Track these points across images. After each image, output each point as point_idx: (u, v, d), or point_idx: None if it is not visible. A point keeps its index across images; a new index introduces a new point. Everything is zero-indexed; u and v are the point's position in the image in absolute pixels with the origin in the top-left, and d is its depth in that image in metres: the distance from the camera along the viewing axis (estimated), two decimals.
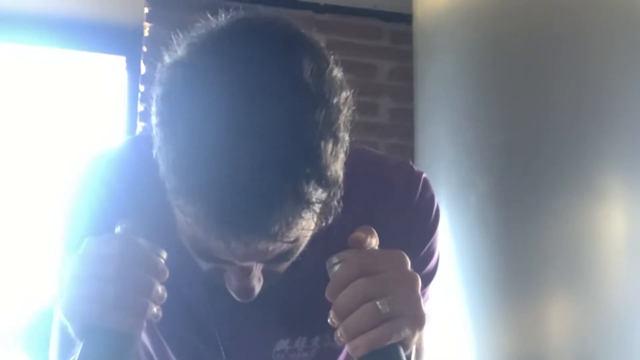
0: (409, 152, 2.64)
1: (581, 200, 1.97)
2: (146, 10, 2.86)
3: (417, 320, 0.74)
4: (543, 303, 1.97)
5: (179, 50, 0.72)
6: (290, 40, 0.72)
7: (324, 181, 0.69)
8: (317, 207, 0.70)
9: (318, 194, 0.69)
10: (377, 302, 0.72)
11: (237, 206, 0.67)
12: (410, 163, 0.98)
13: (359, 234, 0.76)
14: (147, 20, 2.85)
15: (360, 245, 0.76)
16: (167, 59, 0.72)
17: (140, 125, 2.79)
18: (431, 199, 0.96)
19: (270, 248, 0.72)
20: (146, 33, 2.83)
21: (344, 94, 0.72)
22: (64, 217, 0.94)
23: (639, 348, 1.90)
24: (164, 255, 0.76)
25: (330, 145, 0.69)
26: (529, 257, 1.99)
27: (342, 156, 0.71)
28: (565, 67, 2.07)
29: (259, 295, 0.91)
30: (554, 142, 2.02)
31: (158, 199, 0.78)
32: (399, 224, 0.92)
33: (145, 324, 0.74)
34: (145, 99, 2.79)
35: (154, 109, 0.71)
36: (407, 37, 2.80)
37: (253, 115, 0.67)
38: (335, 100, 0.70)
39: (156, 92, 0.71)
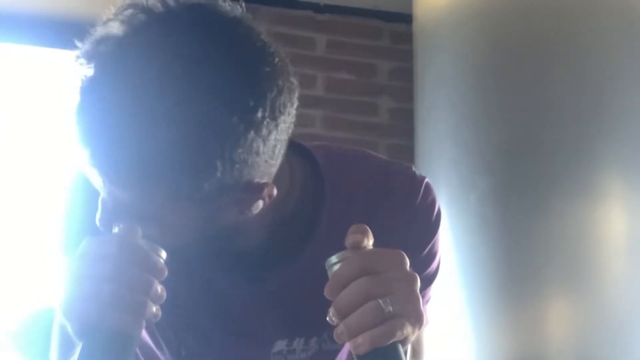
0: (409, 152, 2.64)
1: (581, 200, 1.97)
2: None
3: (417, 318, 0.74)
4: (543, 303, 1.97)
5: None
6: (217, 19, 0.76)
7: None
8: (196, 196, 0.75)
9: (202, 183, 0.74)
10: (380, 301, 0.72)
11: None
12: (413, 168, 0.99)
13: (356, 234, 0.76)
14: None
15: (358, 245, 0.76)
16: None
17: None
18: (432, 203, 0.97)
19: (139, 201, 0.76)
20: None
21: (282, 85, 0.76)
22: (63, 218, 0.94)
23: (639, 348, 1.90)
24: (163, 254, 0.76)
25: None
26: (529, 257, 1.99)
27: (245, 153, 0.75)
28: (565, 67, 2.07)
29: (258, 297, 0.92)
30: (554, 142, 2.02)
31: None
32: (399, 226, 0.93)
33: (144, 324, 0.74)
34: None
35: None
36: (407, 37, 2.79)
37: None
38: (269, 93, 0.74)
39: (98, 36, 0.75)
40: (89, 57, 0.74)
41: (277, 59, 0.77)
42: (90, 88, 0.73)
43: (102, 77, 0.73)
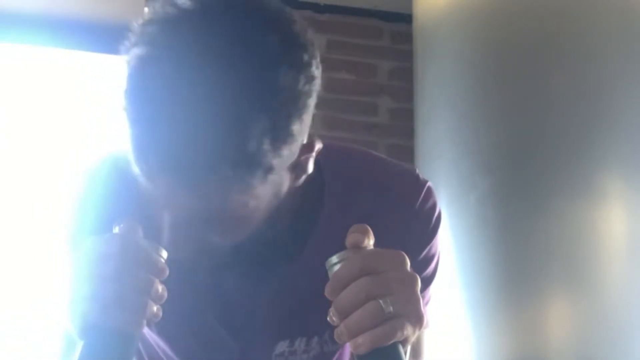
0: (409, 152, 2.64)
1: (581, 201, 1.97)
2: (146, 10, 2.85)
3: (417, 319, 0.74)
4: (543, 303, 1.97)
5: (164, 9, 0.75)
6: (259, 12, 0.74)
7: (276, 139, 0.71)
8: (257, 174, 0.72)
9: (262, 157, 0.71)
10: (380, 301, 0.72)
11: (171, 137, 0.69)
12: (417, 171, 0.99)
13: (357, 234, 0.76)
14: None
15: (359, 245, 0.76)
16: (147, 16, 0.75)
17: None
18: (433, 206, 0.97)
19: (202, 203, 0.73)
20: None
21: (309, 59, 0.75)
22: (68, 220, 0.95)
23: (639, 348, 1.90)
24: (164, 254, 0.76)
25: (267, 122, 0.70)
26: (529, 257, 1.99)
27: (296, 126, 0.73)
28: (565, 67, 2.07)
29: (259, 297, 0.92)
30: (554, 142, 2.02)
31: None
32: (398, 228, 0.93)
33: (145, 323, 0.74)
34: None
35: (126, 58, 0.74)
36: (407, 37, 2.80)
37: (210, 73, 0.69)
38: (299, 70, 0.73)
39: (135, 38, 0.75)
40: (136, 48, 0.73)
41: (295, 17, 0.78)
42: (150, 88, 0.70)
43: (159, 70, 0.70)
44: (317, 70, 0.76)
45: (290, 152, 0.75)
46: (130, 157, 0.73)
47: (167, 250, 0.77)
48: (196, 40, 0.70)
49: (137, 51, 0.72)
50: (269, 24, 0.73)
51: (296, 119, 0.73)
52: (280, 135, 0.72)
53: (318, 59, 0.77)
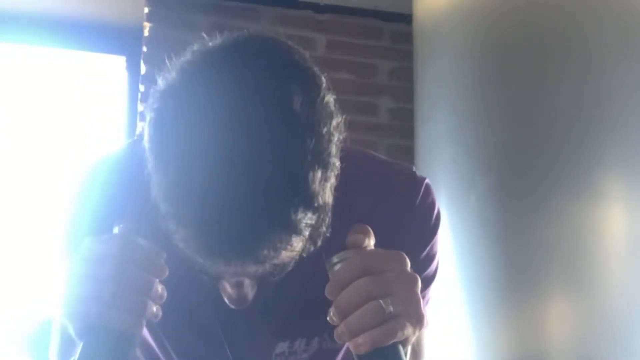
0: (409, 152, 2.64)
1: (581, 201, 1.97)
2: (146, 10, 2.86)
3: (418, 319, 0.74)
4: (543, 303, 1.97)
5: (171, 74, 0.72)
6: (282, 69, 0.72)
7: (312, 208, 0.70)
8: (305, 232, 0.71)
9: (307, 220, 0.70)
10: (381, 301, 0.72)
11: (224, 236, 0.67)
12: (414, 168, 0.99)
13: (357, 235, 0.77)
14: (147, 20, 2.85)
15: (359, 245, 0.76)
16: (160, 83, 0.72)
17: (140, 125, 2.79)
18: (432, 204, 0.96)
19: (260, 270, 0.72)
20: (146, 33, 2.84)
21: (334, 122, 0.74)
22: (66, 219, 0.94)
23: (639, 348, 1.90)
24: (164, 255, 0.76)
25: (319, 174, 0.70)
26: (529, 257, 1.99)
27: (332, 181, 0.73)
28: (565, 67, 2.07)
29: (258, 299, 0.92)
30: (554, 142, 2.02)
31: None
32: (398, 227, 0.92)
33: (144, 323, 0.74)
34: (145, 99, 2.79)
35: (145, 131, 0.72)
36: (407, 37, 2.80)
37: (241, 147, 0.67)
38: (325, 130, 0.71)
39: (148, 115, 0.72)
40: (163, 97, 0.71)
41: (302, 52, 0.79)
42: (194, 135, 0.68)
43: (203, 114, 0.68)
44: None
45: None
46: (193, 251, 0.71)
47: (234, 306, 0.79)
48: (230, 96, 0.69)
49: (169, 111, 0.70)
50: (288, 70, 0.73)
51: (335, 158, 0.73)
52: (331, 173, 0.72)
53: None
